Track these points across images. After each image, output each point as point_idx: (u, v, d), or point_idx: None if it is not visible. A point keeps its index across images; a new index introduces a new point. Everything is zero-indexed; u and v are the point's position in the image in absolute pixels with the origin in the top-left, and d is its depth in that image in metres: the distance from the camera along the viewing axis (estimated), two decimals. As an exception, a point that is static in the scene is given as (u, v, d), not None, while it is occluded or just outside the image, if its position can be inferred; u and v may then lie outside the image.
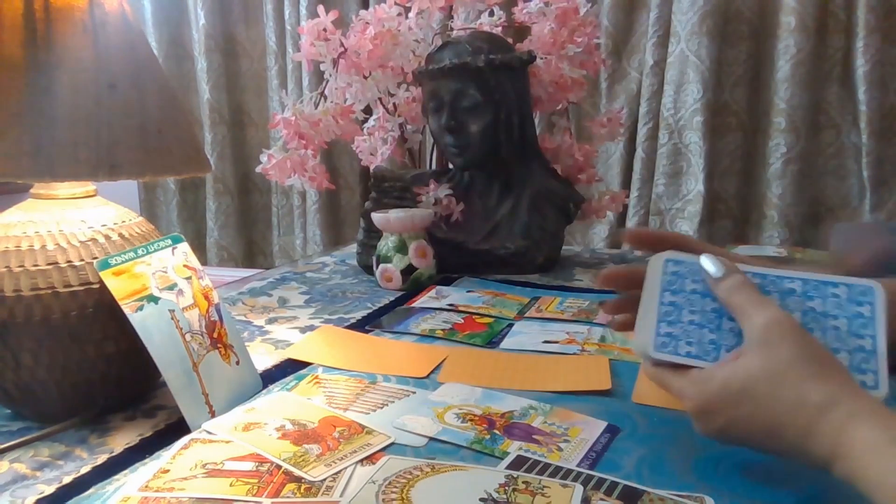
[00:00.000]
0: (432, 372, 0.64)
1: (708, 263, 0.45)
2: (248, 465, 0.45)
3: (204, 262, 1.82)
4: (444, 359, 0.67)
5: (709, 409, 0.42)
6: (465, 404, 0.55)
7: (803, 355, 0.39)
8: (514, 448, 0.48)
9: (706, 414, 0.42)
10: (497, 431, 0.50)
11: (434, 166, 1.23)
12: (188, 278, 0.56)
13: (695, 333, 0.44)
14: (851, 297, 0.43)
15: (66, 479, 0.45)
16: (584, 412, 0.54)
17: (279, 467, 0.45)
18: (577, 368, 0.64)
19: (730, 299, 0.43)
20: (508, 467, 0.45)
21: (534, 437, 0.49)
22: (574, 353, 0.68)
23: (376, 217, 0.96)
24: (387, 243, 0.95)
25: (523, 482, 0.43)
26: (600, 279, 0.51)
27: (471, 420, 0.52)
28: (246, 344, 0.63)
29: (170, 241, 0.57)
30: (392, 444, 0.49)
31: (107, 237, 0.54)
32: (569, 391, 0.58)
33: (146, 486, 0.43)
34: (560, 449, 0.48)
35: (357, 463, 0.46)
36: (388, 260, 0.95)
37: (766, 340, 0.40)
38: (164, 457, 0.47)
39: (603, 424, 0.52)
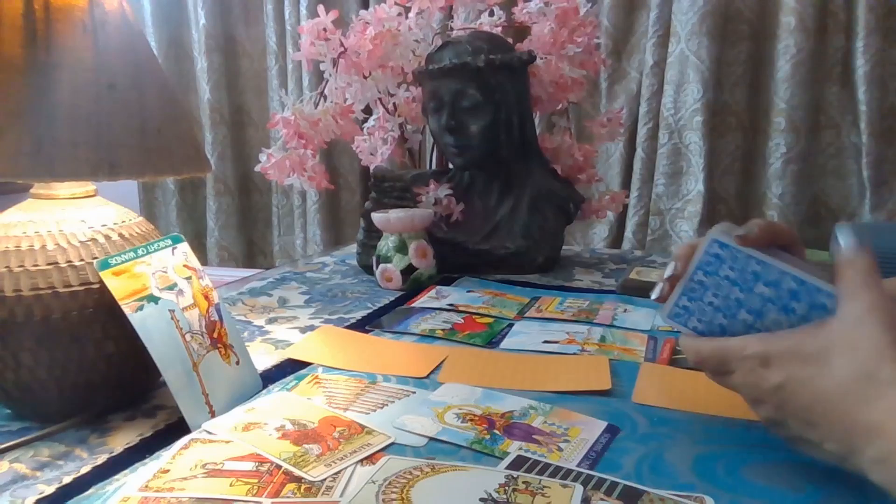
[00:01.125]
0: (432, 372, 0.64)
1: (843, 234, 0.43)
2: (248, 465, 0.45)
3: (204, 262, 1.82)
4: (445, 359, 0.67)
5: (772, 361, 0.41)
6: (465, 404, 0.55)
7: (890, 341, 0.38)
8: (514, 448, 0.48)
9: (767, 367, 0.41)
10: (497, 431, 0.50)
11: (434, 166, 1.23)
12: (188, 278, 0.56)
13: (708, 314, 0.46)
14: (809, 298, 0.42)
15: (66, 479, 0.45)
16: (584, 412, 0.54)
17: (279, 467, 0.45)
18: (578, 368, 0.64)
19: (844, 270, 0.41)
20: (508, 467, 0.45)
21: (534, 437, 0.49)
22: (574, 353, 0.68)
23: (376, 217, 0.96)
24: (387, 243, 0.95)
25: (523, 482, 0.43)
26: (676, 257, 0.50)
27: (471, 420, 0.52)
28: (246, 344, 0.63)
29: (170, 241, 0.57)
30: (392, 444, 0.49)
31: (107, 237, 0.54)
32: (569, 391, 0.58)
33: (146, 486, 0.43)
34: (560, 449, 0.48)
35: (357, 463, 0.46)
36: (388, 260, 0.95)
37: (859, 318, 0.39)
38: (164, 457, 0.47)
39: (603, 424, 0.52)
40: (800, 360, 0.40)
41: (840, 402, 0.38)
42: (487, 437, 0.50)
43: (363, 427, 0.51)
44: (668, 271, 0.48)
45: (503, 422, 0.52)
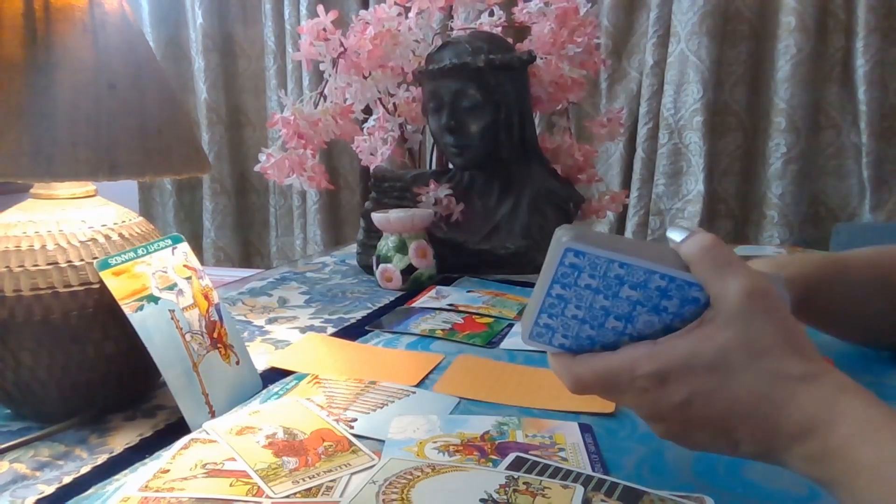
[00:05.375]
0: (425, 378, 0.63)
1: (673, 233, 0.40)
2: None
3: (201, 262, 1.81)
4: (436, 365, 0.65)
5: (670, 378, 0.37)
6: (434, 437, 0.51)
7: (784, 331, 0.36)
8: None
9: (665, 385, 0.37)
10: (493, 456, 0.48)
11: (434, 166, 1.23)
12: (188, 278, 0.56)
13: (573, 327, 0.41)
14: (679, 293, 0.39)
15: (66, 479, 0.45)
16: (554, 417, 0.54)
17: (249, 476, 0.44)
18: None
19: (695, 261, 0.38)
20: (508, 468, 0.45)
21: (530, 452, 0.48)
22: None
23: (376, 217, 0.96)
24: (387, 243, 0.95)
25: (524, 483, 0.43)
26: None
27: (457, 451, 0.49)
28: (246, 344, 0.63)
29: (170, 241, 0.57)
30: (372, 466, 0.46)
31: (107, 237, 0.54)
32: (566, 410, 0.56)
33: (146, 486, 0.43)
34: (565, 459, 0.47)
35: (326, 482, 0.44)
36: (388, 260, 0.95)
37: (743, 311, 0.36)
38: (164, 457, 0.47)
39: (576, 426, 0.52)
40: (699, 371, 0.36)
41: (753, 407, 0.36)
42: (489, 465, 0.47)
43: (351, 445, 0.49)
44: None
45: (490, 445, 0.50)
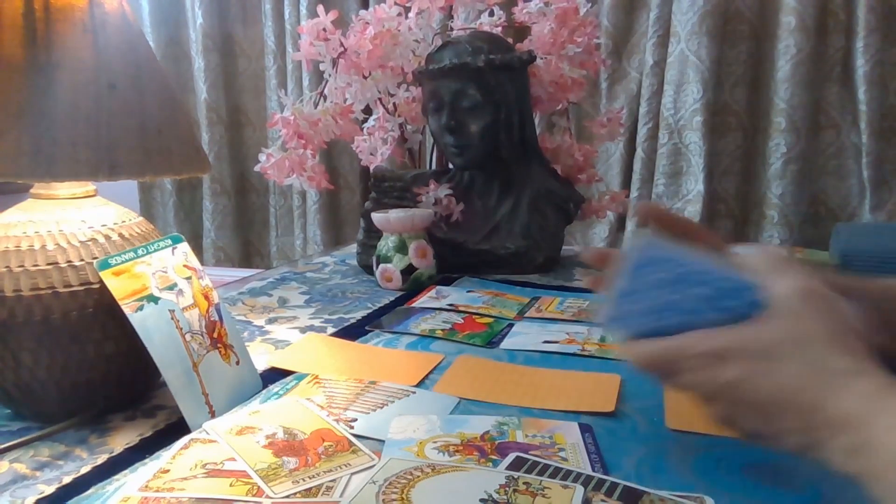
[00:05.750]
0: (425, 378, 0.63)
1: (741, 249, 0.44)
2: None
3: (201, 262, 1.81)
4: (436, 365, 0.66)
5: (723, 357, 0.40)
6: (434, 437, 0.51)
7: (835, 330, 0.38)
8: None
9: (718, 364, 0.40)
10: (493, 456, 0.48)
11: (434, 166, 1.23)
12: (188, 278, 0.56)
13: (644, 319, 0.44)
14: (745, 296, 0.42)
15: (66, 479, 0.45)
16: (554, 417, 0.54)
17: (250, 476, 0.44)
18: (585, 386, 0.61)
19: (760, 266, 0.42)
20: (508, 468, 0.45)
21: (530, 452, 0.48)
22: (574, 354, 0.68)
23: (376, 217, 0.96)
24: (387, 243, 0.95)
25: (524, 483, 0.43)
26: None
27: (457, 451, 0.49)
28: (246, 344, 0.63)
29: (170, 241, 0.57)
30: (372, 466, 0.46)
31: (107, 237, 0.54)
32: (569, 410, 0.56)
33: (146, 486, 0.43)
34: (565, 459, 0.47)
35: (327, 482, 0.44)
36: (388, 260, 0.95)
37: (798, 308, 0.39)
38: (164, 457, 0.47)
39: (575, 426, 0.52)
40: (751, 354, 0.39)
41: (799, 394, 0.38)
42: (489, 465, 0.47)
43: (351, 445, 0.49)
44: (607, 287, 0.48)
45: (491, 445, 0.50)
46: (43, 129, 0.48)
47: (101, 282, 0.51)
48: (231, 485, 0.43)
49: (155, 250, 0.55)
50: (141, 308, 0.51)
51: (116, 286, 0.51)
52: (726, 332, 0.41)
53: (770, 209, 1.61)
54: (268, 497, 0.42)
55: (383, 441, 0.50)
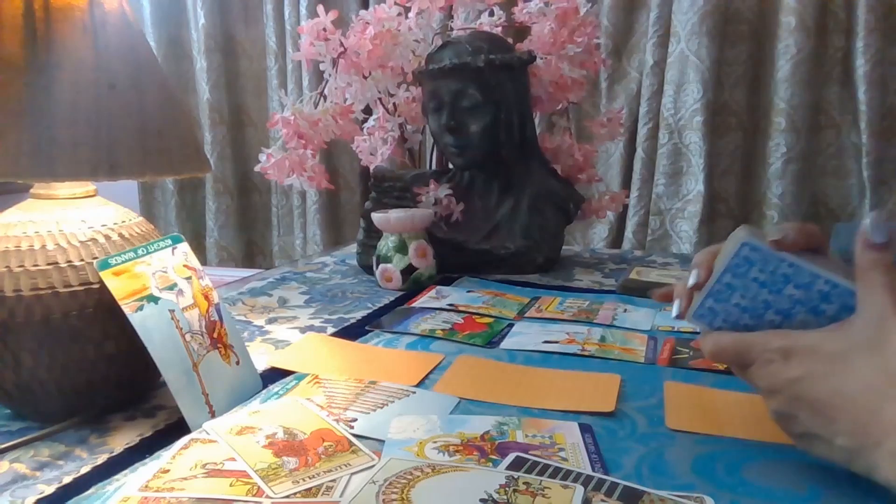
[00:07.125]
0: (425, 378, 0.62)
1: (871, 225, 0.42)
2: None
3: (203, 262, 1.82)
4: (437, 365, 0.66)
5: (793, 355, 0.41)
6: (434, 437, 0.51)
7: None
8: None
9: (787, 360, 0.41)
10: (493, 456, 0.48)
11: (434, 166, 1.23)
12: (188, 278, 0.56)
13: (734, 315, 0.46)
14: (840, 300, 0.42)
15: (66, 479, 0.45)
16: (554, 417, 0.54)
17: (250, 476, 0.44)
18: (585, 386, 0.60)
19: (867, 269, 0.41)
20: (508, 468, 0.45)
21: (530, 452, 0.48)
22: (574, 353, 0.68)
23: (376, 217, 0.96)
24: (387, 243, 0.95)
25: (524, 483, 0.43)
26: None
27: (457, 451, 0.49)
28: (246, 344, 0.63)
29: (170, 241, 0.57)
30: (372, 466, 0.46)
31: (107, 237, 0.54)
32: (569, 410, 0.56)
33: (146, 486, 0.43)
34: (565, 459, 0.47)
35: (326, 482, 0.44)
36: (388, 260, 0.95)
37: (883, 322, 0.39)
38: (164, 457, 0.47)
39: (575, 426, 0.52)
40: (821, 357, 0.40)
41: (859, 396, 0.38)
42: (489, 465, 0.47)
43: (351, 445, 0.49)
44: (691, 280, 0.48)
45: (490, 445, 0.49)
46: (43, 129, 0.48)
47: (101, 282, 0.51)
48: (231, 485, 0.43)
49: (155, 250, 0.55)
50: (141, 308, 0.51)
51: (116, 286, 0.51)
52: (803, 333, 0.42)
53: (770, 209, 1.62)
54: (268, 497, 0.42)
55: (383, 441, 0.50)
